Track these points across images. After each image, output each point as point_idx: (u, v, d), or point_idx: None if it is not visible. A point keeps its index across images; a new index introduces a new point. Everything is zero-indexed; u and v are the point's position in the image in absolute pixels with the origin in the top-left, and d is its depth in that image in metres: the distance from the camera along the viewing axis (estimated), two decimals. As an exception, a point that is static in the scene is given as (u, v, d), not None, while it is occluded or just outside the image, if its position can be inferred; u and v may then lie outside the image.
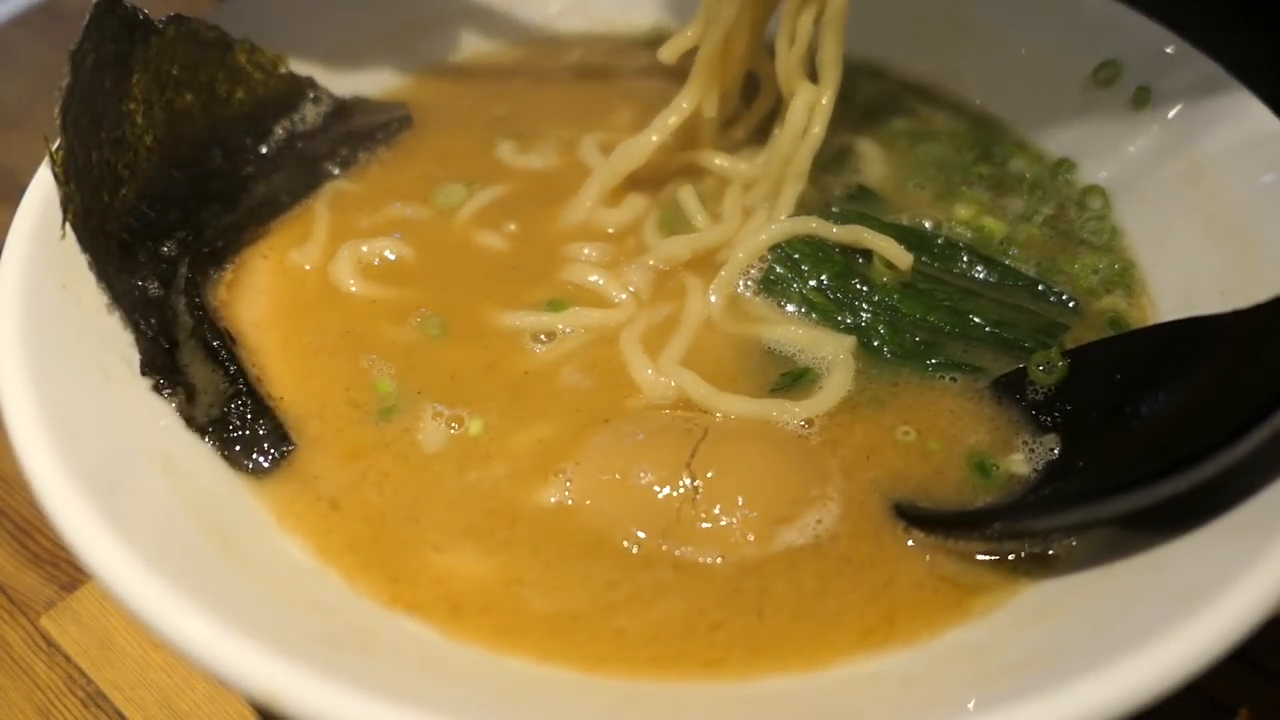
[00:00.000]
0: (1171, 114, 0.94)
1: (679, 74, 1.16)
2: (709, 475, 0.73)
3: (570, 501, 0.74)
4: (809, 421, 0.79)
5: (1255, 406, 0.60)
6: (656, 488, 0.73)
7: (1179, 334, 0.74)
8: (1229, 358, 0.68)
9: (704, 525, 0.72)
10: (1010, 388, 0.81)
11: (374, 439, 0.79)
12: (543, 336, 0.86)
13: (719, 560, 0.71)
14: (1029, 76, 1.06)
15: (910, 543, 0.72)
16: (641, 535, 0.72)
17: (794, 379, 0.82)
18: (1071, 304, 0.90)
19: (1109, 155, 0.99)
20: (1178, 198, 0.92)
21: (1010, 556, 0.71)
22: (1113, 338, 0.82)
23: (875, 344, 0.85)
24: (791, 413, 0.79)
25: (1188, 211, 0.90)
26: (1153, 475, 0.63)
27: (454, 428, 0.79)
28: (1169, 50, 0.95)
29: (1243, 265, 0.83)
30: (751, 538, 0.71)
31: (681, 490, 0.73)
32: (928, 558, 0.71)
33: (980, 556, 0.71)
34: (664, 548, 0.71)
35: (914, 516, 0.73)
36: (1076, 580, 0.68)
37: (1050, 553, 0.71)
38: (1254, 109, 0.88)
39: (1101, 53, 1.00)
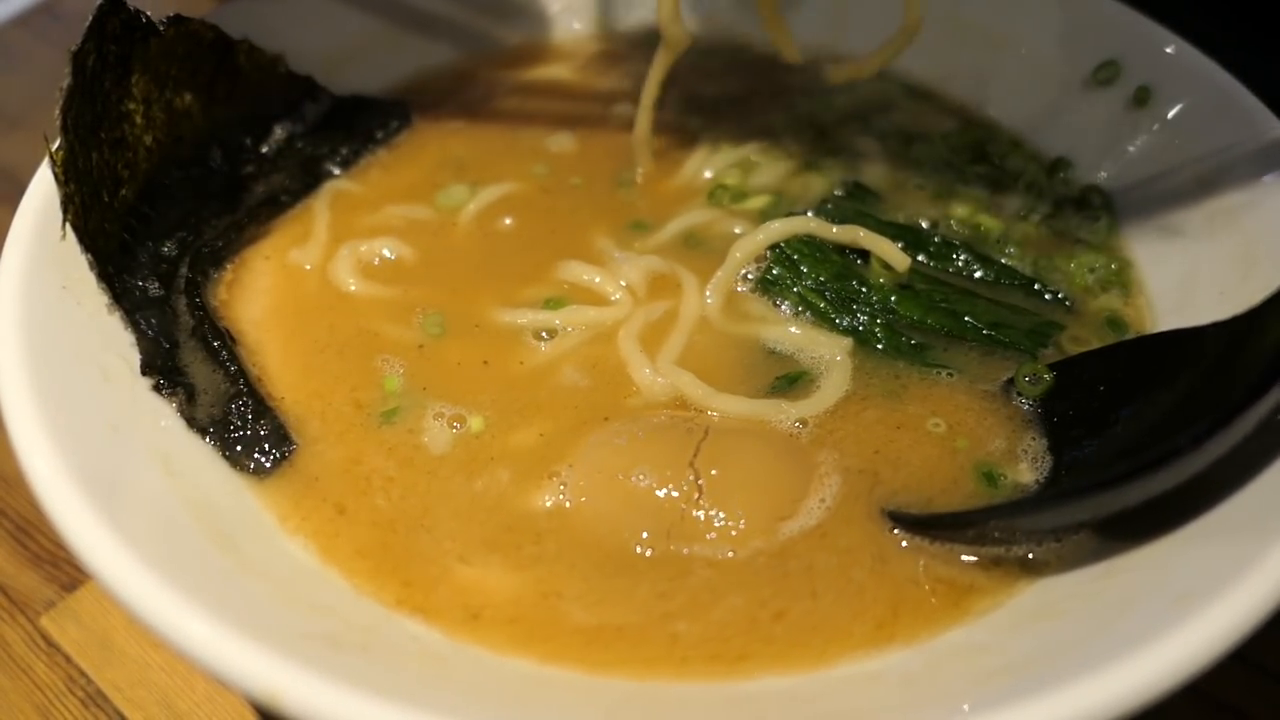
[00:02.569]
0: (1171, 114, 0.95)
1: (681, 74, 1.16)
2: (713, 474, 0.73)
3: (568, 504, 0.74)
4: (805, 421, 0.79)
5: (1221, 413, 0.61)
6: (660, 488, 0.73)
7: (1161, 345, 0.77)
8: (1204, 368, 0.70)
9: (710, 525, 0.72)
10: (1009, 393, 0.81)
11: (376, 442, 0.78)
12: (544, 334, 0.86)
13: (731, 554, 0.71)
14: (1029, 76, 1.06)
15: (904, 544, 0.72)
16: (645, 535, 0.72)
17: (791, 380, 0.82)
18: (1067, 303, 0.90)
19: (1109, 155, 0.99)
20: (1177, 198, 0.92)
21: (996, 559, 0.71)
22: (1098, 350, 0.83)
23: (872, 345, 0.85)
24: (788, 413, 0.79)
25: (1187, 211, 0.90)
26: (1123, 478, 0.64)
27: (456, 427, 0.79)
28: (1169, 50, 0.95)
29: (1242, 265, 0.83)
30: (755, 536, 0.72)
31: (685, 489, 0.73)
32: (922, 562, 0.71)
33: (967, 558, 0.71)
34: (671, 548, 0.71)
35: (904, 520, 0.73)
36: (1076, 581, 0.68)
37: (1030, 556, 0.71)
38: (1254, 109, 0.88)
39: (1101, 53, 1.00)
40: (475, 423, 0.79)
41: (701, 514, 0.72)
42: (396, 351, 0.85)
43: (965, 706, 0.55)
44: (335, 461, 0.77)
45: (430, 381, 0.83)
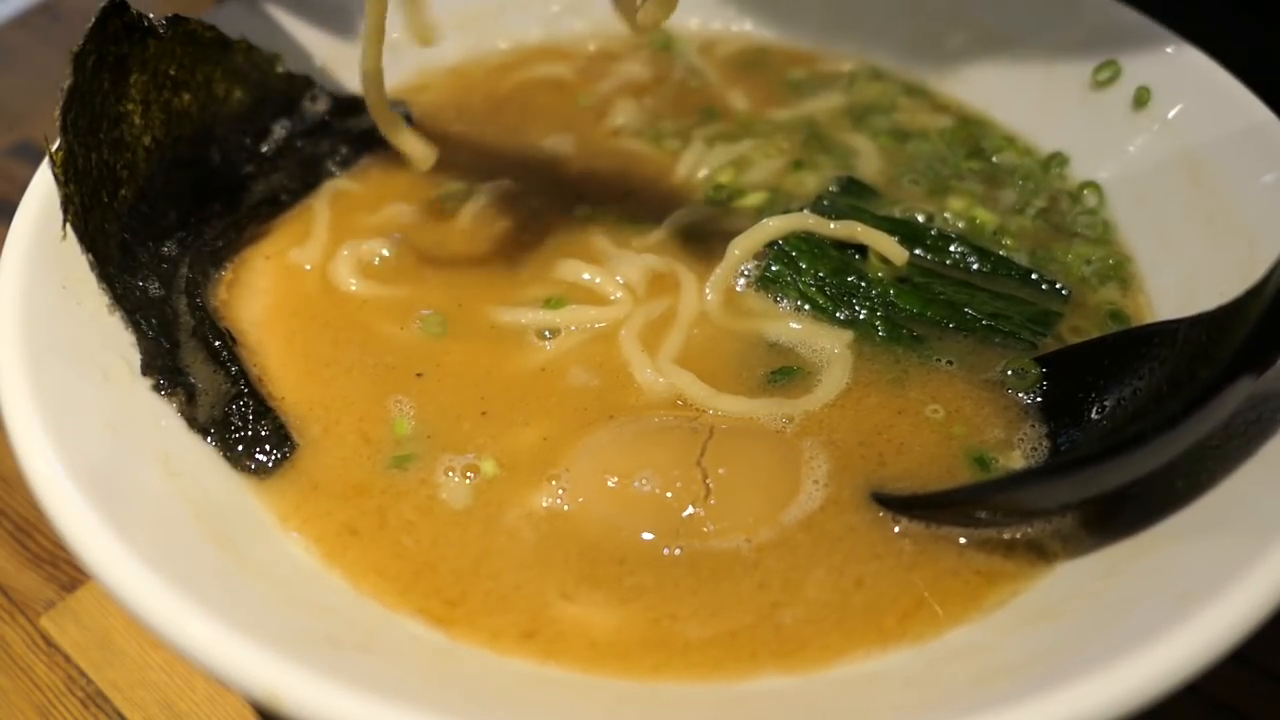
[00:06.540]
0: (1171, 114, 0.95)
1: (678, 73, 1.16)
2: (721, 472, 0.74)
3: (566, 506, 0.74)
4: (807, 416, 0.79)
5: (1196, 394, 0.63)
6: (667, 489, 0.73)
7: (1146, 336, 0.78)
8: (1184, 357, 0.71)
9: (719, 523, 0.72)
10: (1004, 383, 0.82)
11: (386, 482, 0.76)
12: (547, 333, 0.86)
13: (737, 551, 0.71)
14: (1029, 76, 1.06)
15: (896, 529, 0.73)
16: (653, 536, 0.72)
17: (790, 374, 0.83)
18: (1065, 292, 0.90)
19: (1109, 155, 0.99)
20: (1178, 197, 0.92)
21: (998, 562, 0.71)
22: (1086, 342, 0.83)
23: (872, 338, 0.85)
24: (789, 409, 0.79)
25: (1187, 211, 0.90)
26: (1101, 454, 0.66)
27: (470, 477, 0.76)
28: (1169, 50, 0.95)
29: (1242, 265, 0.83)
30: (763, 532, 0.72)
31: (693, 488, 0.73)
32: (910, 545, 0.72)
33: (966, 556, 0.71)
34: (681, 546, 0.72)
35: (890, 501, 0.74)
36: (1077, 581, 0.68)
37: (1029, 552, 0.71)
38: (1254, 109, 0.88)
39: (1101, 53, 1.00)
40: (488, 466, 0.77)
41: (709, 513, 0.72)
42: (401, 385, 0.82)
43: (968, 706, 0.55)
44: (340, 481, 0.76)
45: (436, 427, 0.79)
